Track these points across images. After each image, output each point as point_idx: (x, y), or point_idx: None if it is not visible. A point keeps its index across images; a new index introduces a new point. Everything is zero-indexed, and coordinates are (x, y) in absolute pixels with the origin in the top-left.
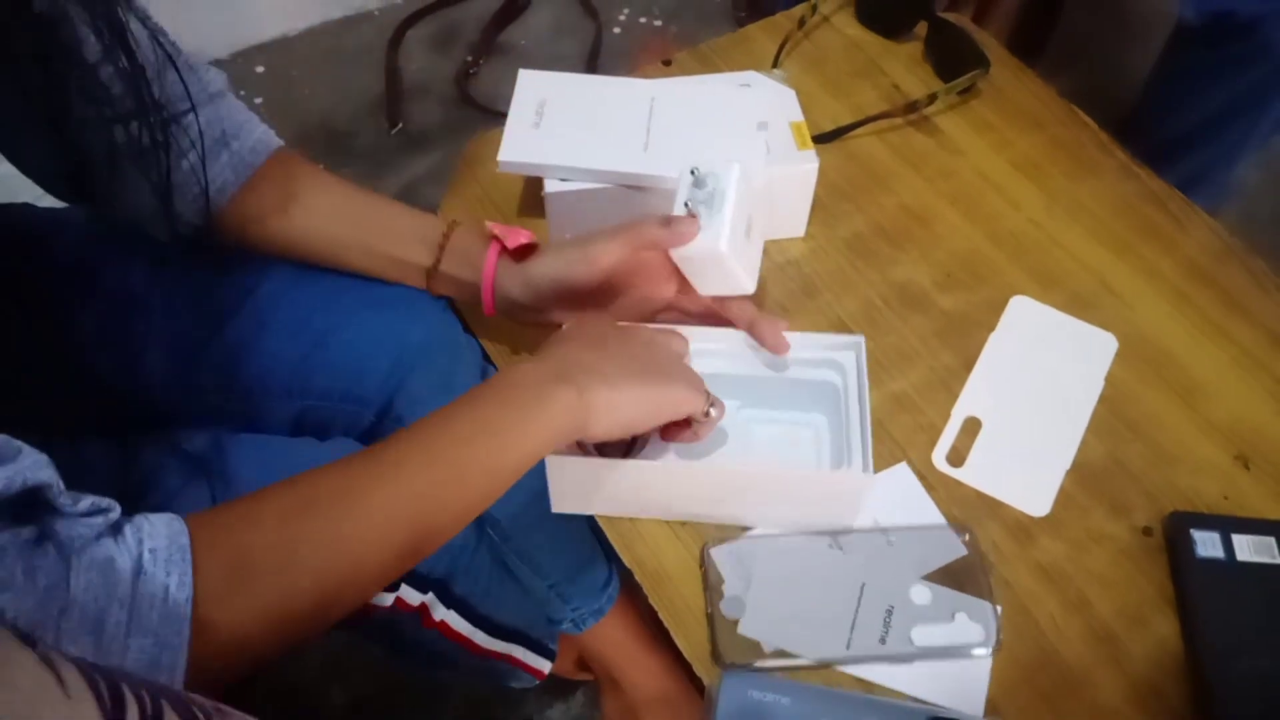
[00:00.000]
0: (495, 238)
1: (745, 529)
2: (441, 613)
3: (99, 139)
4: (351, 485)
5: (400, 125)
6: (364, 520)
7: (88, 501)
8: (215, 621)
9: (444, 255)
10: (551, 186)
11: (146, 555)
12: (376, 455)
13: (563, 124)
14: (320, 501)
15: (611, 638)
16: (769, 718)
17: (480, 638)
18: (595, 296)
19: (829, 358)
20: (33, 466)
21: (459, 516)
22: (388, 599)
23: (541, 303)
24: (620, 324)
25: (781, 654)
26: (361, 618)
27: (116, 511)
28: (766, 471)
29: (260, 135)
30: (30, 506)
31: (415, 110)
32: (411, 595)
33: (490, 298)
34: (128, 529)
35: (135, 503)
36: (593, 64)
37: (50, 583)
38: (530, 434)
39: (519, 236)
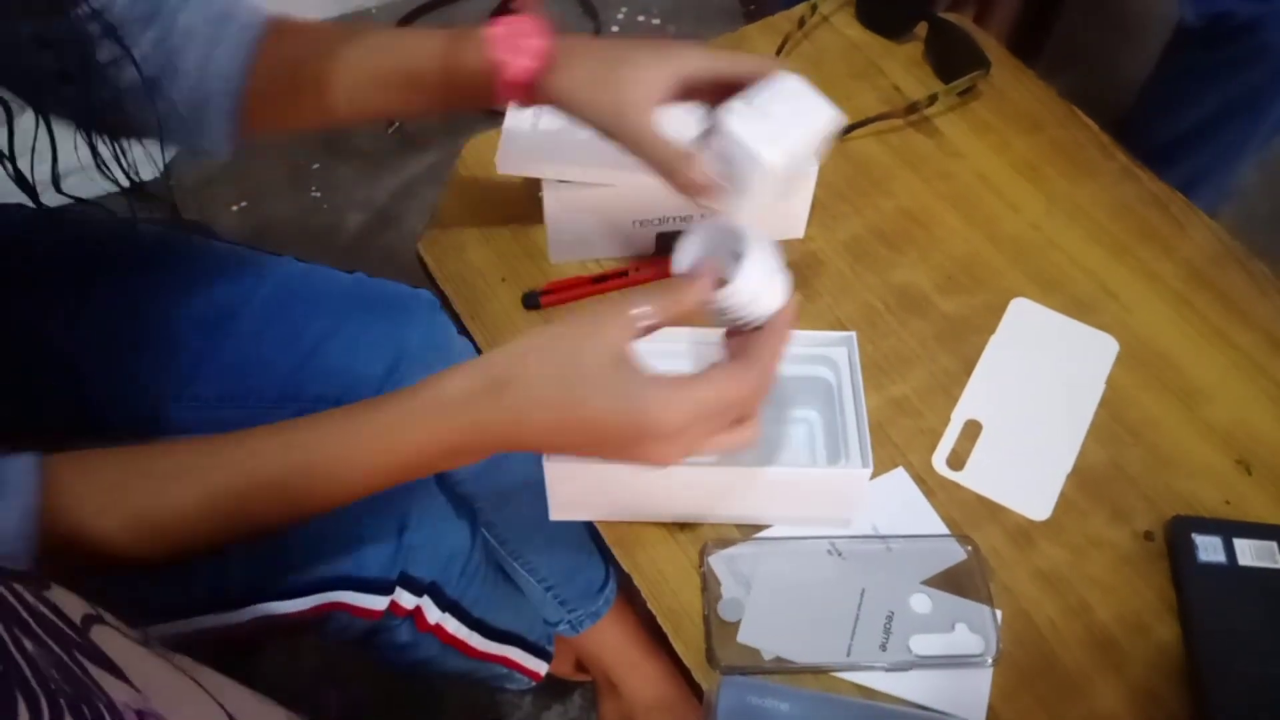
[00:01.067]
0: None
1: (744, 534)
2: (436, 616)
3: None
4: (185, 471)
5: (398, 124)
6: (182, 508)
7: None
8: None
9: (453, 82)
10: (550, 188)
11: None
12: (229, 448)
13: (560, 125)
14: (153, 476)
15: (609, 641)
16: None
17: (476, 640)
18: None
19: (821, 354)
20: None
21: (286, 522)
22: (382, 603)
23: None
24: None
25: (780, 661)
26: (355, 622)
27: None
28: (764, 470)
29: (249, 10)
30: None
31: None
32: (406, 599)
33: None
34: None
35: None
36: None
37: None
38: (410, 473)
39: (522, 58)
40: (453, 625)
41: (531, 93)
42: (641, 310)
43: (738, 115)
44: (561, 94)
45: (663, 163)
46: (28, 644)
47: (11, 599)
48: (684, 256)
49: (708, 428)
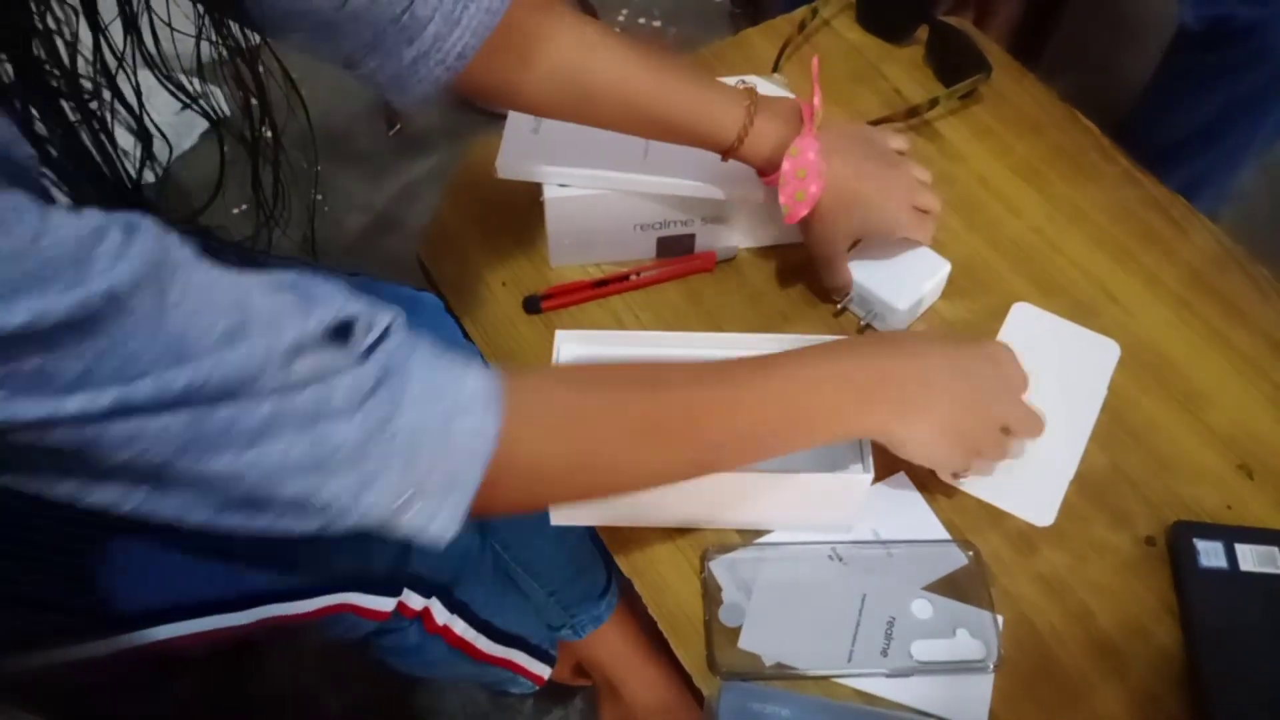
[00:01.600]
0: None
1: (745, 539)
2: (445, 617)
3: None
4: (690, 419)
5: (399, 127)
6: (673, 460)
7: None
8: (508, 465)
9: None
10: (551, 192)
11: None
12: (716, 392)
13: (561, 129)
14: (657, 430)
15: (610, 646)
16: None
17: (483, 643)
18: None
19: None
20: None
21: (736, 464)
22: (389, 604)
23: None
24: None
25: (782, 666)
26: (362, 623)
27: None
28: (767, 475)
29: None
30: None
31: (414, 112)
32: (414, 600)
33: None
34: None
35: None
36: None
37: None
38: (834, 434)
39: (801, 208)
40: (460, 627)
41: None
42: None
43: (859, 267)
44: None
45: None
46: None
47: None
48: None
49: None
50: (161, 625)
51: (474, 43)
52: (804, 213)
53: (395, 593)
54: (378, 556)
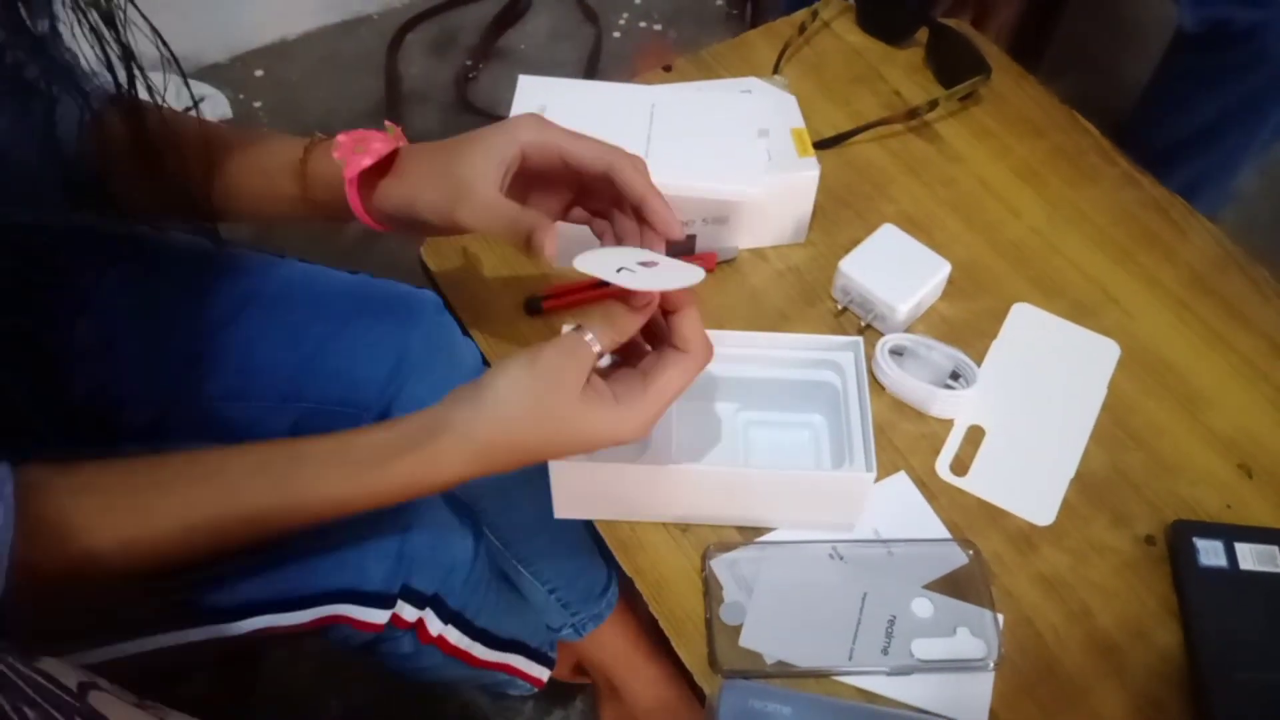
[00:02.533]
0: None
1: (746, 537)
2: (439, 628)
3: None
4: (170, 493)
5: (400, 127)
6: (166, 532)
7: None
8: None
9: (307, 184)
10: None
11: None
12: (222, 465)
13: None
14: (139, 496)
15: (611, 645)
16: None
17: (479, 650)
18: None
19: (827, 358)
20: None
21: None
22: (383, 616)
23: (410, 226)
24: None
25: (782, 665)
26: (356, 634)
27: None
28: (770, 473)
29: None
30: None
31: (414, 115)
32: (408, 611)
33: (369, 221)
34: None
35: None
36: (592, 68)
37: None
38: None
39: (362, 156)
40: (455, 636)
41: (378, 205)
42: (590, 339)
43: (860, 268)
44: (406, 194)
45: (509, 224)
46: (30, 712)
47: (7, 671)
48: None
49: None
50: (154, 635)
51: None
52: (366, 163)
53: (389, 605)
54: (372, 569)
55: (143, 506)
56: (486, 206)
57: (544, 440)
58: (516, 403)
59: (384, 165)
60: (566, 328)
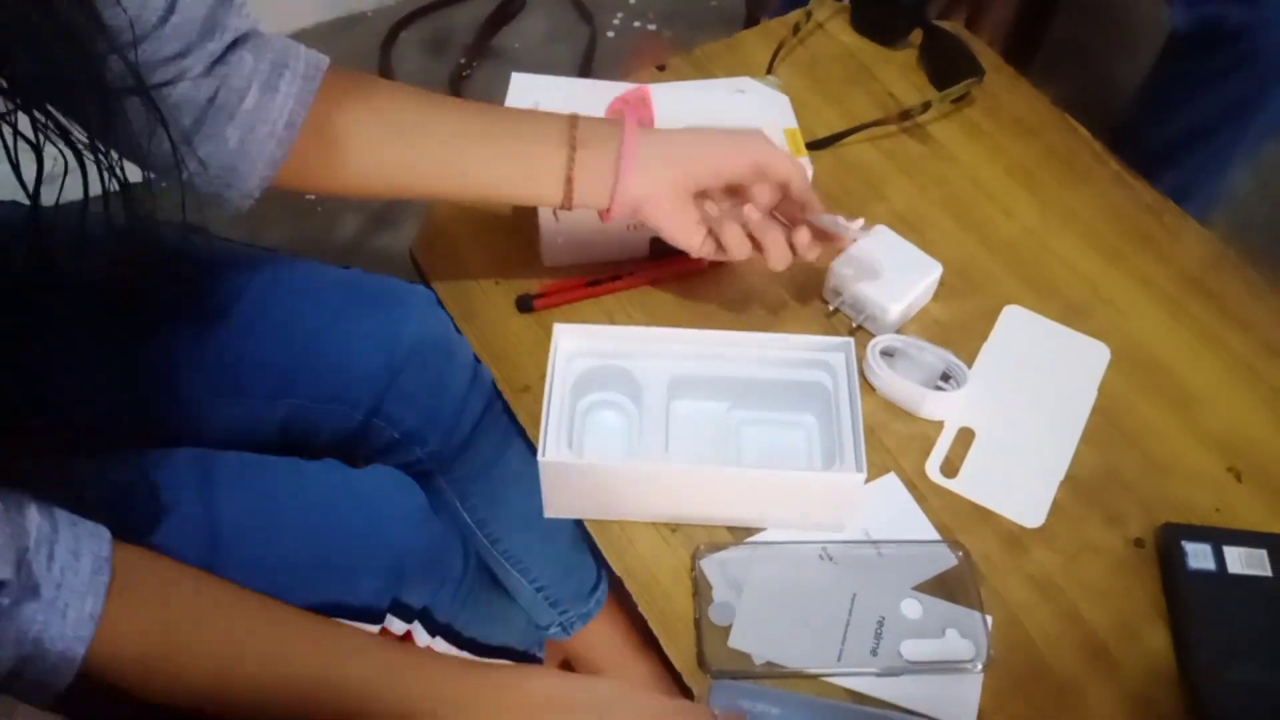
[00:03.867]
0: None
1: (736, 537)
2: (426, 639)
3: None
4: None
5: None
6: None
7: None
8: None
9: (577, 156)
10: None
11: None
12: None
13: None
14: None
15: (599, 642)
16: None
17: (466, 658)
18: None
19: (819, 358)
20: None
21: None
22: (372, 630)
23: (660, 199)
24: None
25: (772, 665)
26: None
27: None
28: (760, 473)
29: (309, 55)
30: None
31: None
32: (396, 625)
33: (630, 172)
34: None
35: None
36: (587, 68)
37: None
38: None
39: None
40: (443, 647)
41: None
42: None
43: (855, 271)
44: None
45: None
46: None
47: None
48: None
49: None
50: None
51: (300, 110)
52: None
53: (378, 620)
54: (362, 583)
55: (198, 649)
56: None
57: None
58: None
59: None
60: (558, 327)
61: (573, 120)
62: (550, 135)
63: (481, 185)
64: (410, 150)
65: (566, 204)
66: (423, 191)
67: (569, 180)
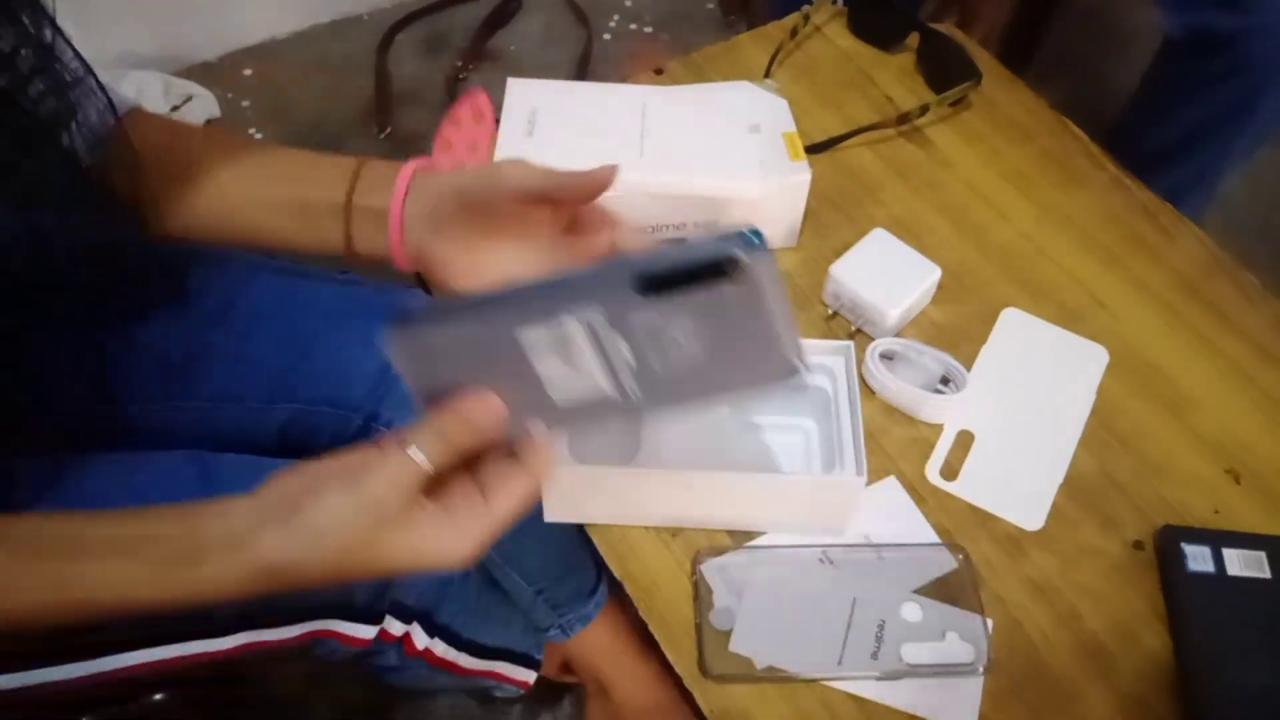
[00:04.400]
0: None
1: (736, 541)
2: (425, 641)
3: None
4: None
5: (390, 130)
6: None
7: None
8: None
9: (357, 184)
10: None
11: None
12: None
13: (556, 133)
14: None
15: (599, 645)
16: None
17: (465, 660)
18: (507, 226)
19: (819, 362)
20: None
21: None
22: (370, 631)
23: (447, 231)
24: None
25: (773, 669)
26: (343, 649)
27: None
28: (760, 477)
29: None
30: None
31: (405, 115)
32: (395, 626)
33: (399, 226)
34: None
35: None
36: (583, 70)
37: None
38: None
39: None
40: (441, 649)
41: (410, 206)
42: (421, 459)
43: (851, 273)
44: (444, 179)
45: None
46: None
47: None
48: None
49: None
50: (140, 650)
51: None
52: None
53: (377, 620)
54: (361, 587)
55: None
56: (536, 169)
57: (359, 565)
58: (333, 536)
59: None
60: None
61: (358, 168)
62: (332, 182)
63: (268, 236)
64: (200, 196)
65: (351, 258)
66: (219, 237)
67: (348, 236)
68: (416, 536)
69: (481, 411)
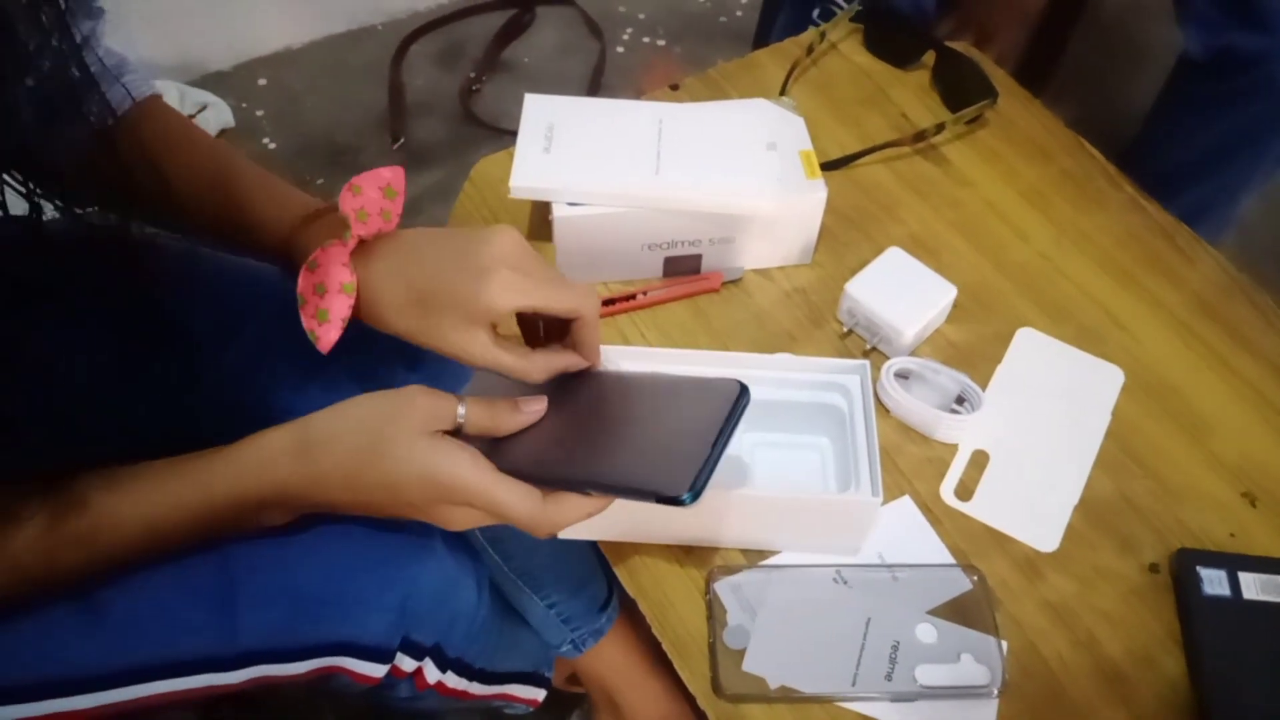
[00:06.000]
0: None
1: (750, 560)
2: (437, 675)
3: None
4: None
5: (403, 140)
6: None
7: None
8: None
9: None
10: (559, 211)
11: None
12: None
13: (573, 148)
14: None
15: (610, 659)
16: None
17: (476, 688)
18: None
19: (834, 381)
20: None
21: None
22: (382, 670)
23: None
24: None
25: (786, 689)
26: (354, 685)
27: None
28: (775, 496)
29: (137, 76)
30: None
31: (418, 126)
32: (407, 663)
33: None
34: None
35: None
36: (596, 82)
37: None
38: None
39: (370, 225)
40: (454, 680)
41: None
42: (463, 411)
43: (866, 291)
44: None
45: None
46: None
47: None
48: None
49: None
50: (149, 683)
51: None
52: (334, 336)
53: (388, 659)
54: (373, 622)
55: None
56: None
57: (373, 478)
58: (344, 440)
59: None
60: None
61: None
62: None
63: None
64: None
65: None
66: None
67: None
68: (440, 456)
69: (533, 412)
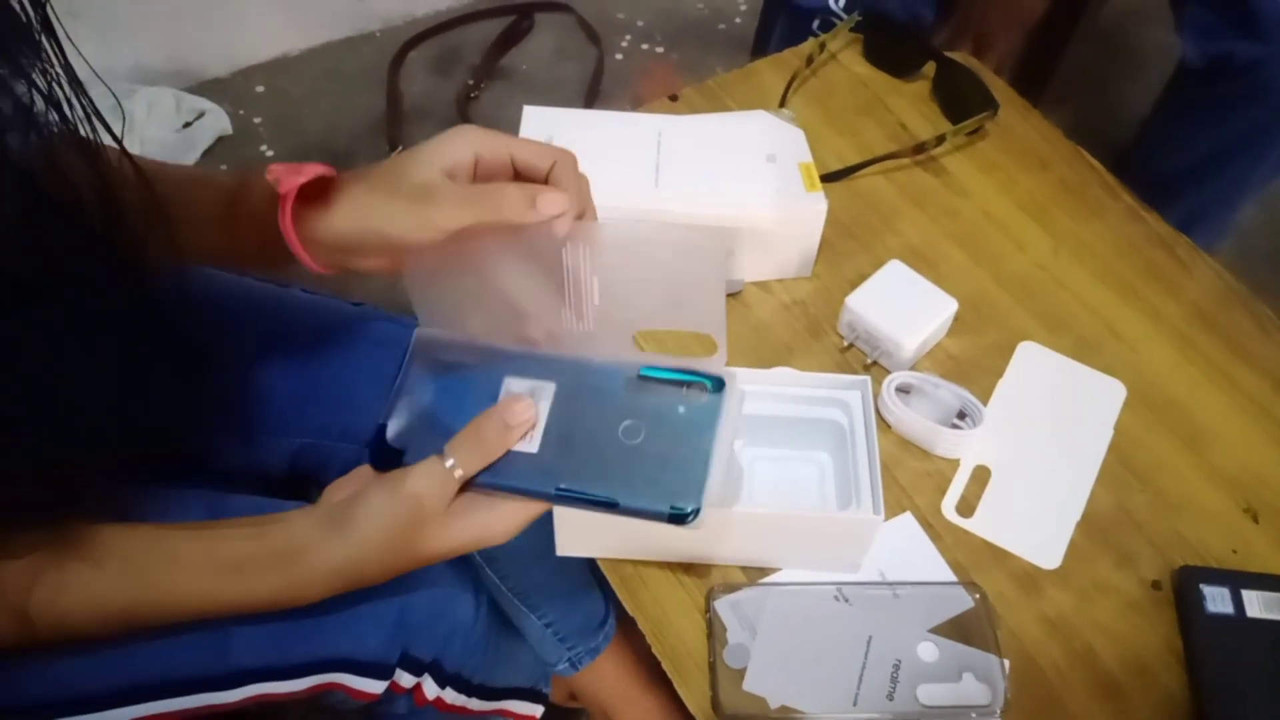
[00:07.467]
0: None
1: (750, 578)
2: (435, 691)
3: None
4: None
5: (401, 147)
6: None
7: None
8: None
9: (237, 223)
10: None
11: None
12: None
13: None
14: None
15: (608, 677)
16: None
17: (474, 704)
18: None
19: (834, 396)
20: None
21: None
22: (380, 686)
23: (366, 253)
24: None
25: (787, 709)
26: (352, 701)
27: None
28: (776, 513)
29: None
30: None
31: (416, 132)
32: (405, 679)
33: (305, 256)
34: None
35: None
36: (594, 90)
37: None
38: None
39: (298, 174)
40: (452, 696)
41: (322, 235)
42: (451, 463)
43: (867, 305)
44: (359, 213)
45: (500, 198)
46: None
47: None
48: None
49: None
50: (147, 702)
51: None
52: (302, 180)
53: (387, 675)
54: (370, 638)
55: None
56: (465, 196)
57: (410, 560)
58: (379, 534)
59: (323, 197)
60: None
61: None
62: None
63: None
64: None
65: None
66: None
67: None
68: (458, 528)
69: (523, 422)
